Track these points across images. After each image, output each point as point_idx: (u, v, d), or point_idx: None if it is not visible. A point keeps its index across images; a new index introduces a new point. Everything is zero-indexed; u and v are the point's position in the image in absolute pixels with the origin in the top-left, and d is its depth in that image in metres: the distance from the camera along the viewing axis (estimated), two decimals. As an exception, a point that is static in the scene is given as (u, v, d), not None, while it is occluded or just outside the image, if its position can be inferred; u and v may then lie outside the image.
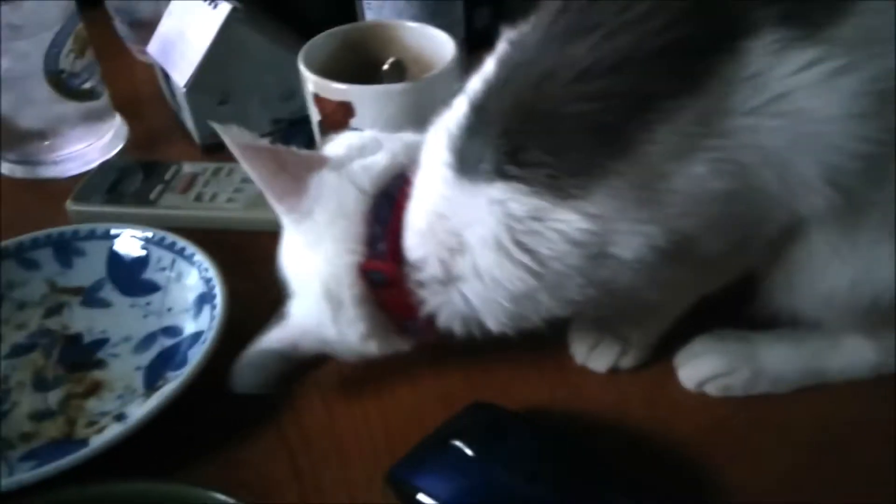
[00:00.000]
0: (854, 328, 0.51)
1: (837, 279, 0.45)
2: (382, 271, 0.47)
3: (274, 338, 0.51)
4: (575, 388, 0.53)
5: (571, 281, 0.43)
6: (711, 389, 0.52)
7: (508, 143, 0.41)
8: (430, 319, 0.48)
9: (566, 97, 0.40)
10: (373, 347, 0.50)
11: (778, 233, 0.45)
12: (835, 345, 0.52)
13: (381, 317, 0.49)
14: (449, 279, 0.46)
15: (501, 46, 0.45)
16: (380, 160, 0.49)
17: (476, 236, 0.43)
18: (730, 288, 0.50)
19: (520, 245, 0.42)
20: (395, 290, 0.47)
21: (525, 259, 0.42)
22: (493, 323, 0.47)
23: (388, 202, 0.47)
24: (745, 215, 0.43)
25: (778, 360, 0.52)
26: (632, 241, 0.41)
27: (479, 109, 0.43)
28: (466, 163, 0.43)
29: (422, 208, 0.46)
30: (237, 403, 0.53)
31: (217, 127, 0.48)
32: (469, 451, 0.45)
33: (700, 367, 0.52)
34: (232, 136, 0.47)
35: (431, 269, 0.45)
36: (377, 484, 0.47)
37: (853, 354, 0.51)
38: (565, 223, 0.41)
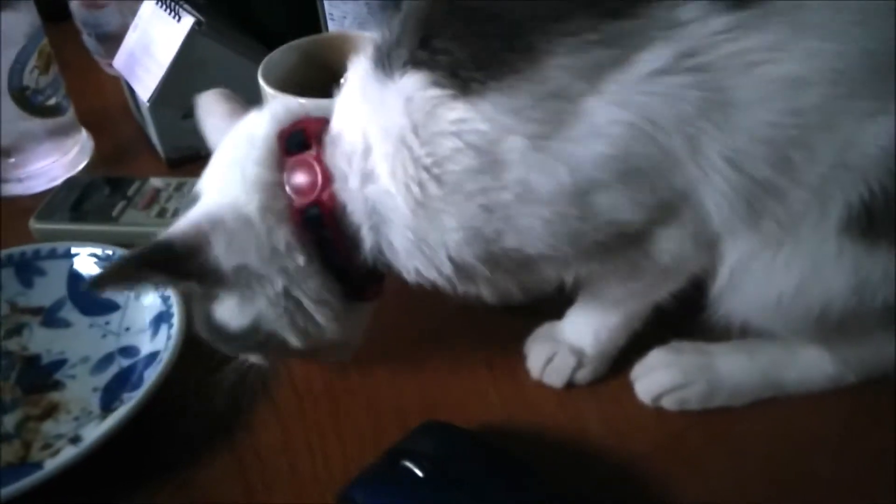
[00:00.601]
0: (808, 339, 0.50)
1: (782, 285, 0.45)
2: (316, 203, 0.44)
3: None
4: (531, 405, 0.53)
5: (471, 202, 0.41)
6: (668, 403, 0.52)
7: (424, 29, 0.41)
8: (371, 259, 0.45)
9: None
10: (329, 317, 0.47)
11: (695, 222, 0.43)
12: (792, 356, 0.51)
13: (326, 273, 0.46)
14: (365, 180, 0.43)
15: None
16: (257, 129, 0.47)
17: (382, 129, 0.42)
18: (685, 299, 0.50)
19: (421, 141, 0.41)
20: (332, 224, 0.44)
21: (424, 154, 0.41)
22: (403, 253, 0.44)
23: (296, 137, 0.45)
24: (649, 175, 0.42)
25: (735, 372, 0.51)
26: (528, 159, 0.40)
27: (403, 18, 0.43)
28: (385, 59, 0.42)
29: (341, 121, 0.45)
30: (192, 423, 0.53)
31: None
32: (419, 472, 0.44)
33: (656, 381, 0.52)
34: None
35: (353, 179, 0.43)
36: (330, 505, 0.47)
37: (810, 366, 0.51)
38: (461, 119, 0.40)
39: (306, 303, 0.46)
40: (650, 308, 0.51)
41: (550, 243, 0.43)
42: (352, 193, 0.44)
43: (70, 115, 0.80)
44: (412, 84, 0.41)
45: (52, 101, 0.77)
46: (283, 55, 0.66)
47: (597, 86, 0.40)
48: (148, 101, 0.73)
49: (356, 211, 0.44)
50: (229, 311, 0.47)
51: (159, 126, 0.75)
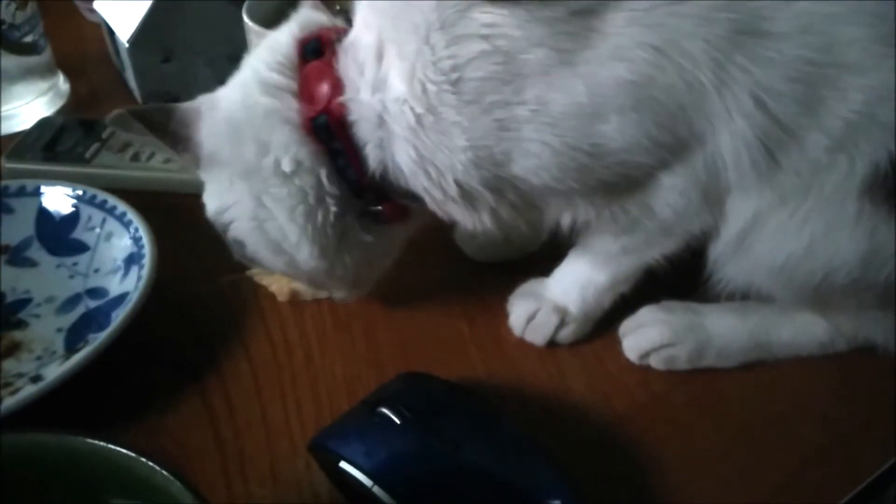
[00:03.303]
0: (805, 305, 0.49)
1: (793, 246, 0.44)
2: (325, 112, 0.44)
3: None
4: (511, 362, 0.52)
5: (487, 116, 0.40)
6: (655, 361, 0.50)
7: None
8: (382, 173, 0.44)
9: None
10: (303, 236, 0.47)
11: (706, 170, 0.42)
12: (784, 319, 0.50)
13: (339, 185, 0.46)
14: (375, 89, 0.42)
15: None
16: (280, 35, 0.47)
17: (408, 26, 0.40)
18: (678, 262, 0.48)
19: (447, 41, 0.40)
20: (342, 134, 0.44)
21: (446, 55, 0.39)
22: (408, 172, 0.43)
23: (312, 45, 0.45)
24: (669, 108, 0.40)
25: (725, 332, 0.50)
26: (550, 74, 0.39)
27: None
28: None
29: (358, 26, 0.44)
30: (161, 368, 0.52)
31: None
32: (396, 419, 0.43)
33: (645, 337, 0.51)
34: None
35: (363, 89, 0.43)
36: (302, 454, 0.45)
37: (802, 330, 0.50)
38: (494, 23, 0.39)
39: (280, 214, 0.46)
40: (640, 271, 0.50)
41: (556, 176, 0.42)
42: (361, 104, 0.43)
43: (47, 55, 0.77)
44: None
45: (28, 39, 0.74)
46: (269, -7, 0.64)
47: (629, 6, 0.38)
48: (127, 42, 0.71)
49: (364, 123, 0.43)
50: (207, 196, 0.49)
51: (138, 69, 0.72)
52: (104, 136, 0.68)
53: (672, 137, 0.41)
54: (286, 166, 0.45)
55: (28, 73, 0.75)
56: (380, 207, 0.47)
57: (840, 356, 0.50)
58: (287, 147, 0.45)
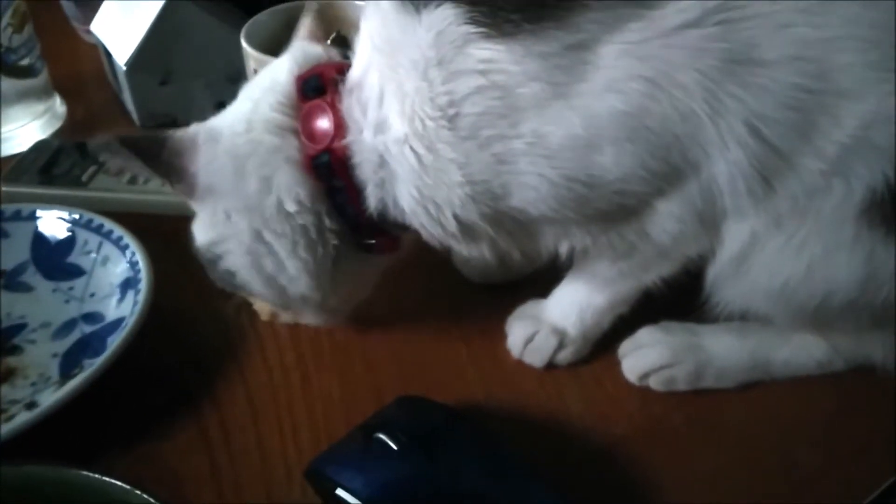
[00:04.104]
0: (803, 327, 0.49)
1: (792, 270, 0.43)
2: (327, 151, 0.44)
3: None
4: (510, 384, 0.51)
5: (484, 151, 0.40)
6: (654, 382, 0.50)
7: None
8: (380, 211, 0.45)
9: None
10: (304, 270, 0.47)
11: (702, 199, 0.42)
12: (782, 340, 0.50)
13: (338, 222, 0.46)
14: (377, 131, 0.43)
15: None
16: (278, 73, 0.47)
17: (407, 62, 0.41)
18: (675, 284, 0.48)
19: (444, 77, 0.40)
20: (343, 173, 0.44)
21: (443, 91, 0.40)
22: (409, 210, 0.43)
23: (312, 82, 0.45)
24: (663, 138, 0.40)
25: (723, 353, 0.50)
26: (546, 108, 0.39)
27: None
28: None
29: (359, 66, 0.44)
30: (157, 393, 0.51)
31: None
32: (393, 445, 0.42)
33: (644, 358, 0.51)
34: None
35: (366, 130, 0.43)
36: (298, 480, 0.45)
37: (800, 350, 0.50)
38: (491, 59, 0.39)
39: (280, 250, 0.46)
40: (638, 293, 0.50)
41: (554, 207, 0.42)
42: (363, 145, 0.43)
43: (44, 78, 0.77)
44: (445, 17, 0.39)
45: (25, 62, 0.74)
46: (267, 18, 0.64)
47: (622, 39, 0.38)
48: (125, 65, 0.71)
49: (366, 164, 0.43)
50: (198, 226, 0.49)
51: (135, 92, 0.72)
52: (101, 158, 0.68)
53: (667, 166, 0.41)
54: (289, 206, 0.45)
55: (25, 96, 0.75)
56: (373, 241, 0.48)
57: (839, 376, 0.50)
58: (290, 187, 0.45)
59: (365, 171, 0.43)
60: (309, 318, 0.53)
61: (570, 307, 0.52)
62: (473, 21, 0.39)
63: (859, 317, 0.45)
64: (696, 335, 0.51)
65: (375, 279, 0.52)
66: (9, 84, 0.73)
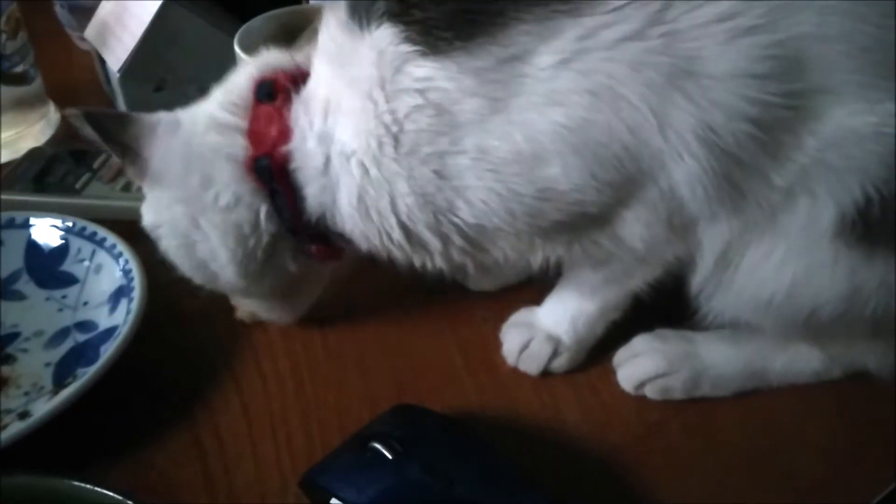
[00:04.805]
0: (796, 338, 0.49)
1: (775, 286, 0.44)
2: (268, 155, 0.45)
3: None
4: (505, 392, 0.51)
5: (425, 166, 0.41)
6: (650, 391, 0.50)
7: None
8: (320, 217, 0.46)
9: None
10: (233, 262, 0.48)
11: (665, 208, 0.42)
12: (778, 348, 0.50)
13: (276, 222, 0.47)
14: (321, 141, 0.44)
15: None
16: (239, 76, 0.48)
17: (353, 82, 0.42)
18: (668, 290, 0.48)
19: (386, 96, 0.40)
20: (281, 178, 0.45)
21: (386, 110, 0.40)
22: (349, 218, 0.44)
23: (265, 87, 0.46)
24: (611, 149, 0.40)
25: (719, 361, 0.50)
26: (486, 123, 0.39)
27: None
28: (361, 11, 0.41)
29: (313, 77, 0.45)
30: (150, 402, 0.51)
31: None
32: (388, 454, 0.42)
33: (640, 367, 0.50)
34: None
35: (310, 139, 0.44)
36: (293, 489, 0.45)
37: (796, 359, 0.50)
38: (427, 77, 0.39)
39: (214, 239, 0.47)
40: (628, 298, 0.50)
41: (507, 220, 0.42)
42: (305, 154, 0.44)
43: (38, 85, 0.77)
44: (385, 37, 0.40)
45: (19, 69, 0.74)
46: (261, 24, 0.64)
47: (561, 52, 0.38)
48: (119, 72, 0.71)
49: (306, 170, 0.44)
50: (145, 207, 0.50)
51: (129, 99, 0.72)
52: (95, 166, 0.68)
53: (620, 176, 0.40)
54: (224, 201, 0.46)
55: (19, 104, 0.75)
56: (312, 247, 0.49)
57: (835, 383, 0.50)
58: (228, 183, 0.46)
59: (305, 177, 0.44)
60: (268, 316, 0.55)
61: (562, 315, 0.52)
62: (409, 40, 0.39)
63: (850, 328, 0.45)
64: (691, 343, 0.51)
65: (321, 283, 0.54)
66: (2, 91, 0.73)
